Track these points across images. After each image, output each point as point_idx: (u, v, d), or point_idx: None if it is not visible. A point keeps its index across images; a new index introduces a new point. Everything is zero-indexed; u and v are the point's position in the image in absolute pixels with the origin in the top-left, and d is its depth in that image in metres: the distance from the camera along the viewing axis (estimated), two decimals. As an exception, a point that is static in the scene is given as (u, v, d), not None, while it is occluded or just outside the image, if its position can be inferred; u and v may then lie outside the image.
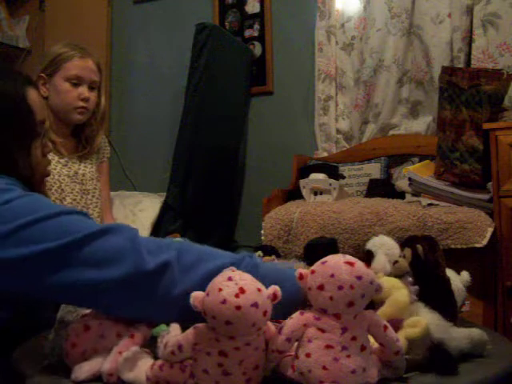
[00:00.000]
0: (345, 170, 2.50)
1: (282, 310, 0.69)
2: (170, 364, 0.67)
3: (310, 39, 2.72)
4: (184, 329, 0.68)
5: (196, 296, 0.65)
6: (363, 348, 0.65)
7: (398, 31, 2.47)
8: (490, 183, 1.82)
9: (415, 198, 2.03)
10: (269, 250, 1.27)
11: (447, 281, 0.86)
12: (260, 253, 1.22)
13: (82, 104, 1.78)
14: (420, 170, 2.08)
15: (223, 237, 2.69)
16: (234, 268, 0.68)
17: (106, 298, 0.75)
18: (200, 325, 0.66)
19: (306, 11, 2.75)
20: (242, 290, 0.63)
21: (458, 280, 0.94)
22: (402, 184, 2.20)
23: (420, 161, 2.35)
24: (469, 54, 2.32)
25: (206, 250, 0.80)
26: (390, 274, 0.85)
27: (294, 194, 2.33)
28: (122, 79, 3.21)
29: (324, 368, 0.63)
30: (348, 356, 0.63)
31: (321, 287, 0.65)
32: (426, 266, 0.85)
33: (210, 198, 2.57)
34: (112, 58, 3.22)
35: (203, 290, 0.65)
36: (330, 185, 2.20)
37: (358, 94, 2.60)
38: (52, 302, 0.92)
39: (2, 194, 0.81)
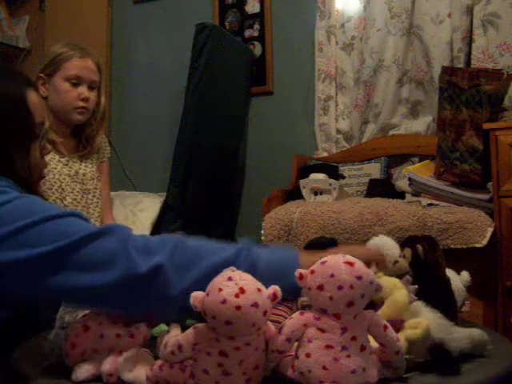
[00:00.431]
0: (345, 169, 2.50)
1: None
2: (170, 364, 0.67)
3: (310, 39, 2.73)
4: (184, 329, 0.68)
5: (196, 296, 0.65)
6: (363, 348, 0.65)
7: (397, 31, 2.47)
8: (490, 183, 1.82)
9: (415, 198, 2.03)
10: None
11: (447, 281, 0.86)
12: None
13: (81, 104, 1.78)
14: (420, 170, 2.08)
15: (223, 237, 2.67)
16: (233, 268, 0.68)
17: (102, 300, 0.75)
18: (200, 325, 0.66)
19: (306, 11, 2.75)
20: (242, 290, 0.63)
21: (458, 280, 0.94)
22: (402, 184, 2.20)
23: (420, 161, 2.35)
24: (469, 54, 2.32)
25: (203, 245, 0.80)
26: (390, 274, 0.85)
27: (294, 194, 2.33)
28: (122, 79, 3.21)
29: (324, 368, 0.63)
30: (348, 356, 0.63)
31: (320, 287, 0.64)
32: (425, 266, 0.85)
33: (210, 198, 2.57)
34: (112, 58, 3.22)
35: (202, 288, 0.65)
36: (330, 185, 2.20)
37: (357, 93, 2.60)
38: (49, 304, 0.92)
39: None
